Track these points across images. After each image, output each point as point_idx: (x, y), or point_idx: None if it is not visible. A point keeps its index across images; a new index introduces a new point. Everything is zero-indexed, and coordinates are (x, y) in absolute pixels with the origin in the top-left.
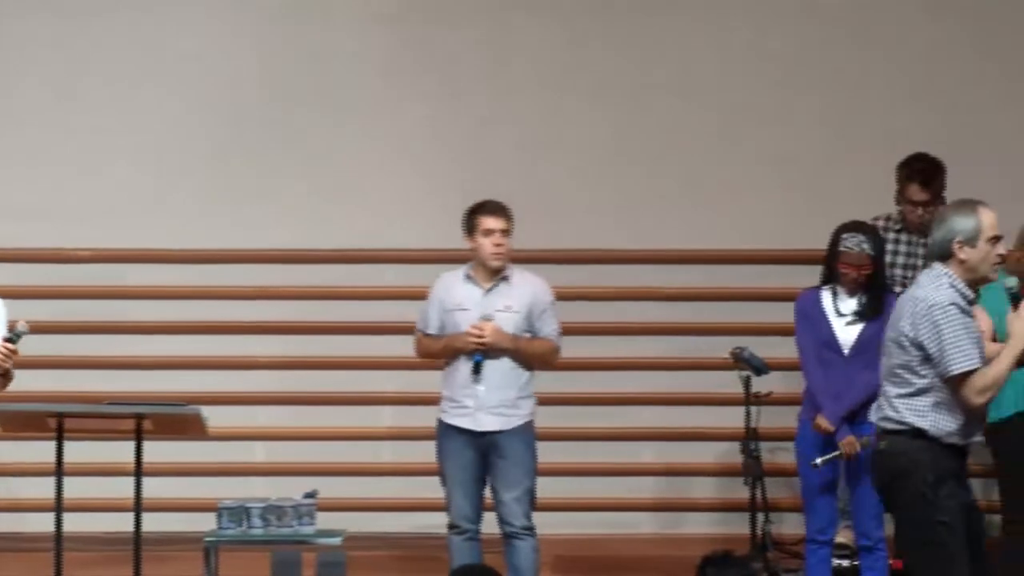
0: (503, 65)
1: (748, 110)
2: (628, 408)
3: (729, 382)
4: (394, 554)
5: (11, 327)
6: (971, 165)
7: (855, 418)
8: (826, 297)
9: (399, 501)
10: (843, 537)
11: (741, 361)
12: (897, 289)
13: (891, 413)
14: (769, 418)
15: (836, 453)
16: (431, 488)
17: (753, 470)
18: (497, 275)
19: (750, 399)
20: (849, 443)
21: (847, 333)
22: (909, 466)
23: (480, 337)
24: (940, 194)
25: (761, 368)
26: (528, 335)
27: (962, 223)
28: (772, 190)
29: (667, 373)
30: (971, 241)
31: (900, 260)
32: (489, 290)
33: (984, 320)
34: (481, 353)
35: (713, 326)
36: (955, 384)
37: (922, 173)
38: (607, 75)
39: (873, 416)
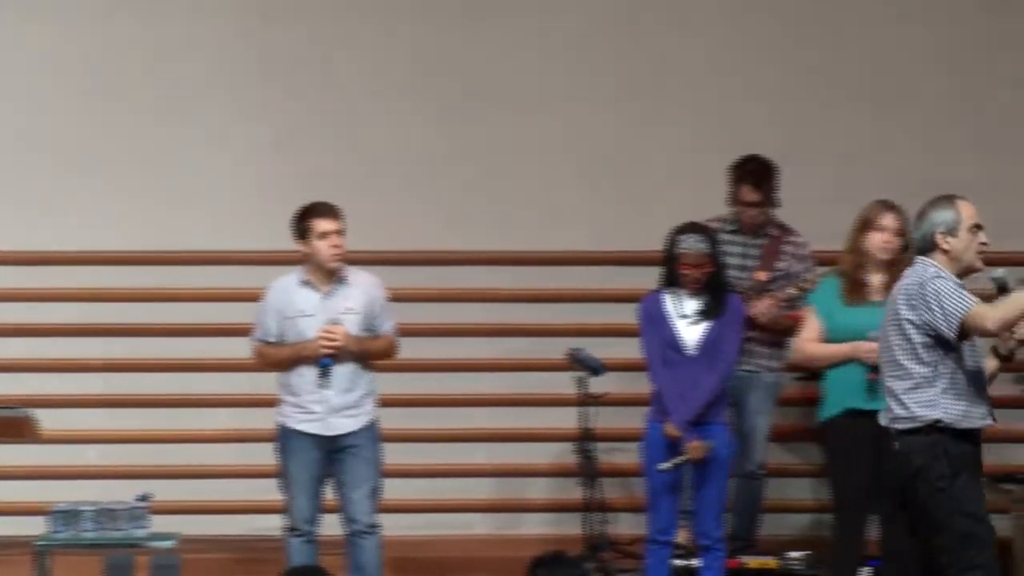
0: (337, 66)
1: (570, 116)
2: (461, 409)
3: (565, 383)
4: (228, 556)
5: None
6: (805, 165)
7: (701, 420)
8: (668, 299)
9: (233, 503)
10: (680, 537)
11: (577, 362)
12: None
13: (900, 411)
14: (605, 419)
15: (684, 457)
16: (266, 491)
17: (588, 471)
18: (333, 277)
19: (586, 400)
20: (695, 447)
21: (690, 334)
22: (925, 463)
23: (332, 342)
24: (772, 195)
25: (597, 369)
26: (368, 334)
27: (942, 215)
28: (585, 191)
29: (502, 374)
30: (952, 231)
31: (734, 261)
32: (328, 293)
33: (812, 322)
34: (330, 357)
35: (549, 327)
36: (969, 325)
37: (753, 174)
38: (440, 80)
39: (883, 420)
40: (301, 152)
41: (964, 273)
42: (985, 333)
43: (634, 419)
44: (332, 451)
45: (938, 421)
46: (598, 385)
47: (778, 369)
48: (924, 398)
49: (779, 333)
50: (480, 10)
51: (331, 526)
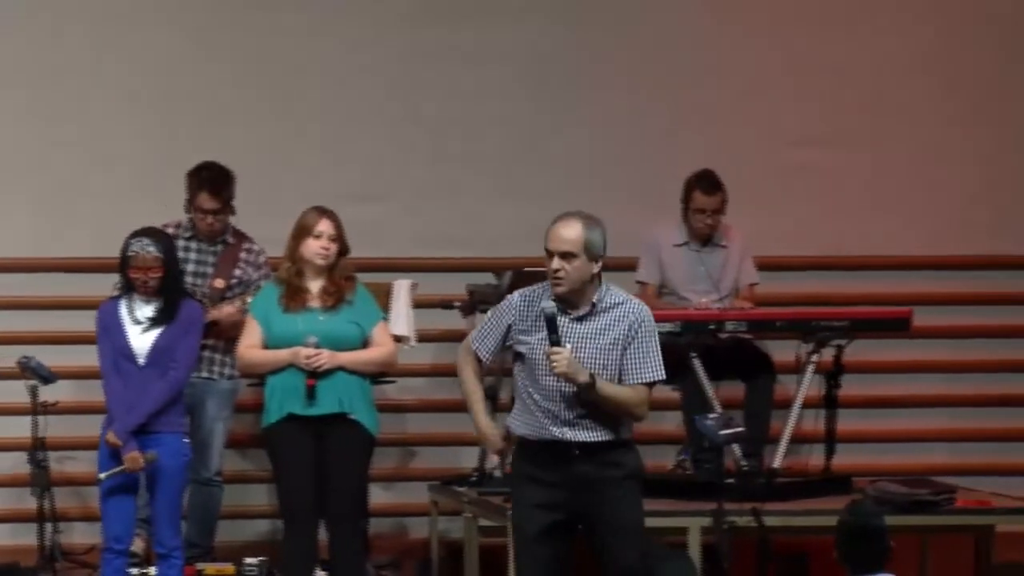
0: None
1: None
2: None
3: (17, 391)
4: None
5: None
6: None
7: (150, 429)
8: (123, 305)
9: None
10: (137, 546)
11: (28, 370)
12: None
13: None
14: (60, 427)
15: (120, 468)
16: None
17: (41, 480)
18: None
19: (37, 408)
20: (132, 459)
21: (142, 341)
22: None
23: None
24: (229, 202)
25: (48, 377)
26: None
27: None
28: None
29: None
30: None
31: (190, 267)
32: None
33: (253, 328)
34: None
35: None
36: None
37: (212, 181)
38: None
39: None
40: None
41: None
42: None
43: (89, 427)
44: None
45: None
46: (51, 393)
47: (235, 376)
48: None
49: (236, 340)
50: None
51: None
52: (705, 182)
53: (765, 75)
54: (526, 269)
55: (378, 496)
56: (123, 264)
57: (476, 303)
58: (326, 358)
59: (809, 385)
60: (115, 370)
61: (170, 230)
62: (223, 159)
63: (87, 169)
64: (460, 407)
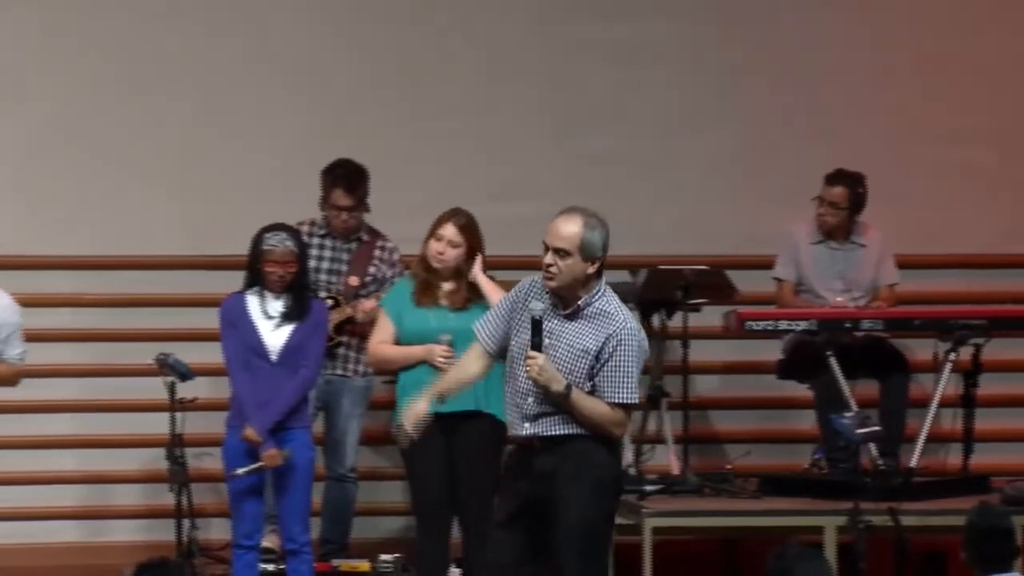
0: None
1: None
2: (47, 416)
3: (154, 388)
4: None
5: None
6: None
7: (282, 426)
8: (252, 300)
9: None
10: (269, 542)
11: (166, 367)
12: (322, 295)
13: None
14: (197, 423)
15: (259, 464)
16: None
17: (179, 476)
18: None
19: (175, 405)
20: (271, 456)
21: (274, 338)
22: None
23: None
24: (364, 200)
25: (186, 374)
26: None
27: None
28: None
29: (89, 380)
30: None
31: (325, 265)
32: None
33: (385, 324)
34: None
35: (137, 332)
36: None
37: (346, 179)
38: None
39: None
40: None
41: None
42: None
43: (222, 424)
44: None
45: None
46: (187, 390)
47: (369, 373)
48: None
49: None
50: None
51: None
52: (831, 174)
53: (914, 72)
54: (661, 267)
55: None
56: (256, 258)
57: None
58: None
59: (947, 384)
60: (244, 365)
61: (304, 228)
62: (379, 157)
63: (228, 168)
64: None
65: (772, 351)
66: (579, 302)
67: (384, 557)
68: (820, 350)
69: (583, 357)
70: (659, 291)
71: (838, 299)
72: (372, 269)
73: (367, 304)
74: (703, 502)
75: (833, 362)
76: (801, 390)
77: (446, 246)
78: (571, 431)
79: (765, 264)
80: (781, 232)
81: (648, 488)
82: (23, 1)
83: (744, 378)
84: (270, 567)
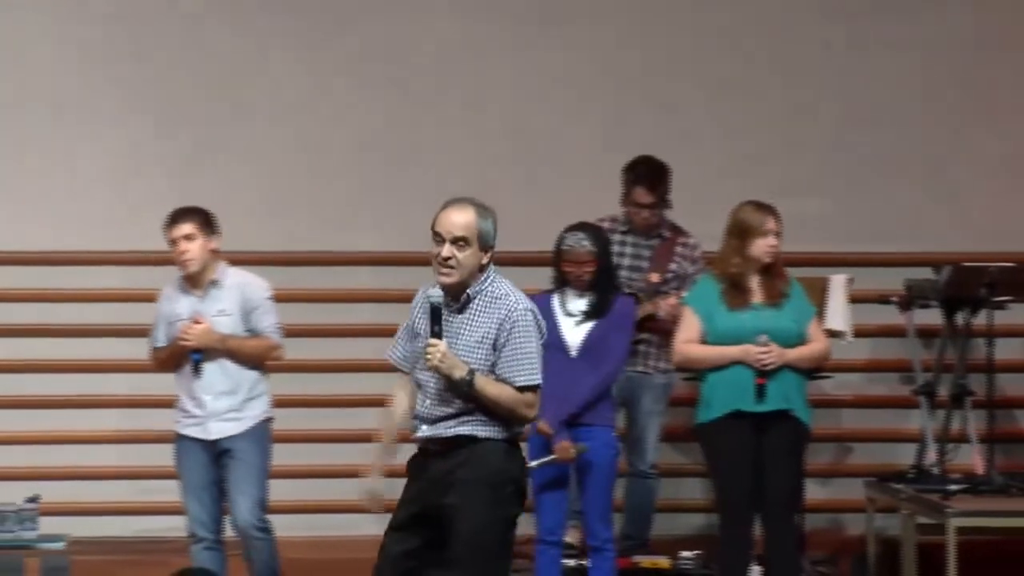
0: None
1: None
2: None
3: None
4: (119, 558)
5: None
6: None
7: (581, 421)
8: (556, 298)
9: (125, 505)
10: (571, 537)
11: None
12: (627, 291)
13: None
14: None
15: (551, 457)
16: (158, 492)
17: None
18: (205, 281)
19: None
20: (563, 448)
21: (575, 335)
22: None
23: (190, 337)
24: (665, 197)
25: None
26: (248, 334)
27: None
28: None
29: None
30: None
31: (626, 262)
32: (201, 297)
33: (692, 323)
34: (198, 352)
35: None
36: None
37: (647, 176)
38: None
39: None
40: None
41: None
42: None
43: None
44: (218, 456)
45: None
46: None
47: (669, 370)
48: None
49: (670, 334)
50: None
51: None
52: None
53: None
54: (965, 264)
55: (814, 492)
56: (557, 257)
57: (914, 298)
58: (775, 356)
59: None
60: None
61: (606, 224)
62: (659, 153)
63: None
64: (897, 403)
65: None
66: (468, 291)
67: (685, 554)
68: None
69: (480, 346)
70: (963, 288)
71: None
72: (673, 265)
73: (669, 301)
74: (1009, 502)
75: None
76: None
77: (775, 239)
78: (468, 432)
79: None
80: None
81: (952, 487)
82: None
83: None
84: (571, 563)
